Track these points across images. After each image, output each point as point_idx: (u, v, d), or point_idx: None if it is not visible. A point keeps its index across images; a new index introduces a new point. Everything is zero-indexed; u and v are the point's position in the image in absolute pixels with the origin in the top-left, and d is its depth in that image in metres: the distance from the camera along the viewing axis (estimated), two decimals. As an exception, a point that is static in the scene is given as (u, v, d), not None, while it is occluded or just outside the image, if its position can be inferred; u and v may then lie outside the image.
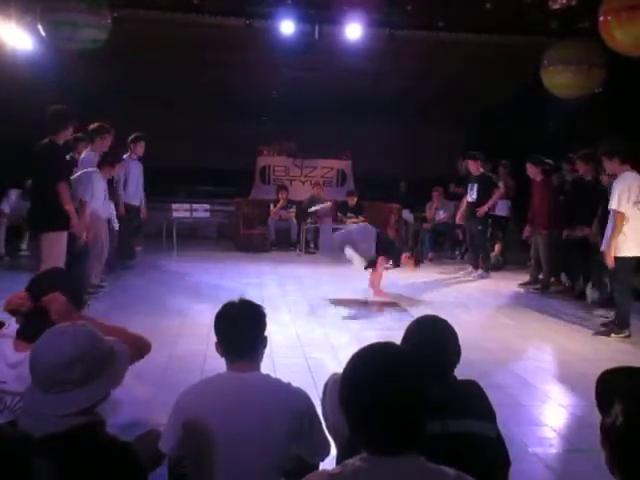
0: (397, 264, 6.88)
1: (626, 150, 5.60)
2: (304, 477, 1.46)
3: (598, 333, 5.73)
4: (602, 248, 5.75)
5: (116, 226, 7.39)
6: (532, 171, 7.79)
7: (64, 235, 5.45)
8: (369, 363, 1.43)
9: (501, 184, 9.10)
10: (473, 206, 8.64)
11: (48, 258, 5.29)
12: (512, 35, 8.55)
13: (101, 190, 6.62)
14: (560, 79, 8.17)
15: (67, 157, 5.96)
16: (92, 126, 6.92)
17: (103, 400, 1.69)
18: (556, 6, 7.36)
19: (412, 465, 1.39)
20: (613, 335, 5.65)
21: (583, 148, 7.21)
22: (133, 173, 8.03)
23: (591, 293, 7.12)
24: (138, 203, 8.22)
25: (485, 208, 8.53)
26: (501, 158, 9.99)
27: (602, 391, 1.60)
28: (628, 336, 5.63)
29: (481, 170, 8.75)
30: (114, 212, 7.46)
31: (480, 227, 8.66)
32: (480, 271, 8.65)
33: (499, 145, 10.38)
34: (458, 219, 9.18)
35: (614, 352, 5.25)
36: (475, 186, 8.62)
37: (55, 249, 5.32)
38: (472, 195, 8.66)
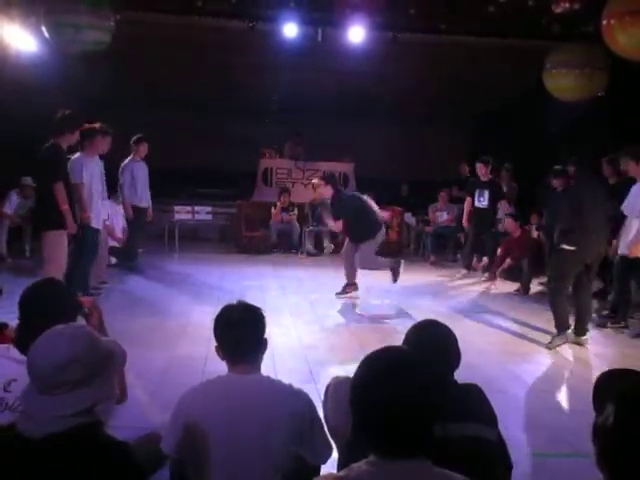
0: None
1: None
2: None
3: None
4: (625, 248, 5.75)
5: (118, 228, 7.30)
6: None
7: (64, 234, 5.45)
8: (380, 366, 1.44)
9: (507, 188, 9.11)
10: (485, 212, 8.70)
11: (51, 258, 5.31)
12: (515, 38, 8.55)
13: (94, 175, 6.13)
14: (562, 82, 8.17)
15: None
16: (82, 128, 6.09)
17: (102, 400, 1.69)
18: (559, 9, 7.36)
19: (419, 469, 1.39)
20: None
21: (584, 152, 7.17)
22: (139, 175, 7.89)
23: None
24: (146, 205, 8.02)
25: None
26: (503, 161, 9.97)
27: (598, 392, 1.62)
28: None
29: (490, 176, 8.81)
30: (119, 212, 7.30)
31: (490, 232, 8.76)
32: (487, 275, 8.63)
33: (501, 148, 10.37)
34: (465, 222, 9.12)
35: (617, 355, 5.25)
36: (486, 192, 8.68)
37: (57, 249, 5.33)
38: (482, 201, 8.72)
